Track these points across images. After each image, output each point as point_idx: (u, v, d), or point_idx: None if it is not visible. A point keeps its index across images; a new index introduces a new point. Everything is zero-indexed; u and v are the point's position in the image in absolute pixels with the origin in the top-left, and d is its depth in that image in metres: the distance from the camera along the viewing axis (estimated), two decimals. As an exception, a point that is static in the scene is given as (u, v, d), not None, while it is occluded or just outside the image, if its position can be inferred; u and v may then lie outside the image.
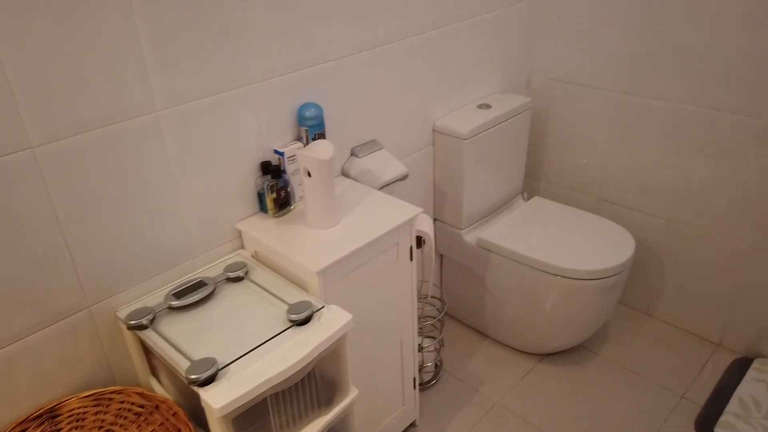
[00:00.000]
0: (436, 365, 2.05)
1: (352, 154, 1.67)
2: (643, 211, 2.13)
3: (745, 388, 1.86)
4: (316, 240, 1.35)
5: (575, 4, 2.02)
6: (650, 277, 2.21)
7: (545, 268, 1.84)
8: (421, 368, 2.00)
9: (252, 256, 1.43)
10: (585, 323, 1.95)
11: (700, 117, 1.87)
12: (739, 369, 1.95)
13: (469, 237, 2.02)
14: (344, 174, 1.66)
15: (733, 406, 1.79)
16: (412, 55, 1.72)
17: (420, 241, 1.61)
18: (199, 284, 1.28)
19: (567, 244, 1.91)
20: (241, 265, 1.34)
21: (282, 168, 1.44)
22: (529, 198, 2.25)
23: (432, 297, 2.19)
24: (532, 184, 2.43)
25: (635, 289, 2.27)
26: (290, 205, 1.47)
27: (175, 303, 1.23)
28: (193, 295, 1.25)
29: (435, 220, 2.10)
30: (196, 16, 1.19)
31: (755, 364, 1.96)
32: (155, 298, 1.29)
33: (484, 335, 2.21)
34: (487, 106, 1.96)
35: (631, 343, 2.14)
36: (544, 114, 2.26)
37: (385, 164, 1.67)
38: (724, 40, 1.74)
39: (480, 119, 1.88)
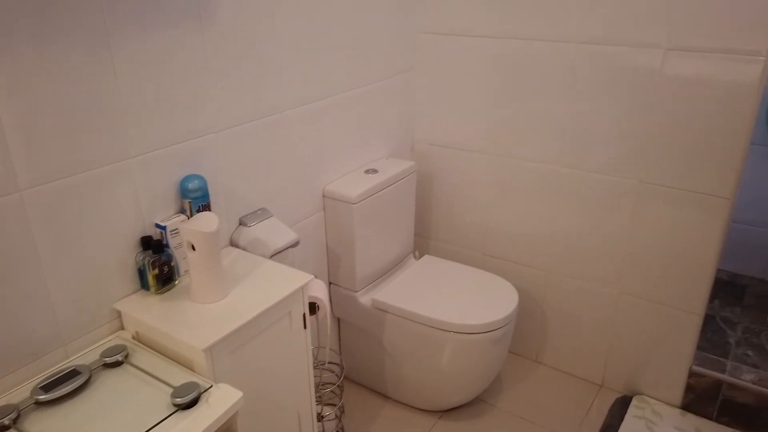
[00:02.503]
0: (337, 433, 2.00)
1: (240, 224, 1.65)
2: (523, 263, 2.27)
3: (628, 426, 1.98)
4: (203, 315, 1.30)
5: (446, 77, 2.18)
6: (535, 325, 2.33)
7: (437, 324, 1.89)
8: (322, 438, 1.95)
9: (133, 338, 1.34)
10: (479, 376, 2.01)
11: (568, 176, 2.05)
12: (620, 408, 2.08)
13: (364, 299, 2.04)
14: (233, 244, 1.63)
15: (618, 444, 1.90)
16: (297, 125, 1.76)
17: (314, 307, 1.61)
18: (72, 373, 1.18)
19: (456, 300, 1.98)
20: (121, 349, 1.26)
21: (165, 242, 1.39)
22: (420, 256, 2.32)
23: (330, 363, 2.16)
24: (422, 243, 2.51)
25: (523, 338, 2.38)
26: (174, 281, 1.41)
27: (42, 397, 1.12)
28: (64, 386, 1.15)
29: (330, 283, 2.10)
30: (65, 90, 1.15)
31: (634, 401, 2.10)
32: (20, 393, 1.16)
33: (385, 397, 2.20)
34: (374, 171, 2.03)
35: (523, 391, 2.23)
36: (429, 176, 2.37)
37: (276, 232, 1.67)
38: (581, 107, 1.95)
39: (368, 184, 1.94)
